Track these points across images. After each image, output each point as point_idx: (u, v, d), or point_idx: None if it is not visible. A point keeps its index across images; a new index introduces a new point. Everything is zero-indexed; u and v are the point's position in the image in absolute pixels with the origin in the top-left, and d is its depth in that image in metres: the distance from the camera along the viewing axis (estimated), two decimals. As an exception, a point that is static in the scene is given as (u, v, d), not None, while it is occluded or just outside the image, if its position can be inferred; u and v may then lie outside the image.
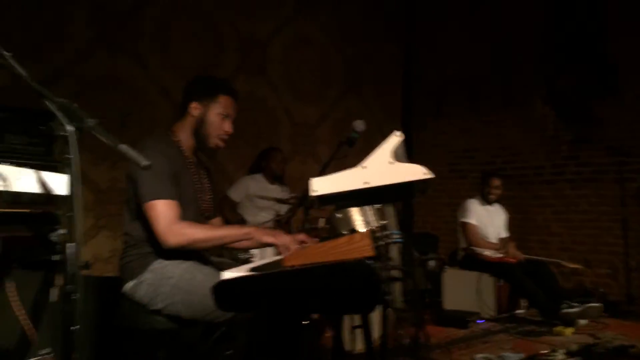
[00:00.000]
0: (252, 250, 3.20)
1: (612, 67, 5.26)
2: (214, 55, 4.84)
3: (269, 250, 3.23)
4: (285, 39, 5.47)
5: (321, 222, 3.16)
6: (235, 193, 4.25)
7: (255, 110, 5.09)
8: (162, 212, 1.90)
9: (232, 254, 3.14)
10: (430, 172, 1.77)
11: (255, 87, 5.18)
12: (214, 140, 2.14)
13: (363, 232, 1.59)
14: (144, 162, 1.29)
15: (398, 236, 1.83)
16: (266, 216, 4.18)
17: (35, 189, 1.44)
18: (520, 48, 5.84)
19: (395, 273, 1.88)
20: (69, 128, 1.20)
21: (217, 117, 2.12)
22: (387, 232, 1.79)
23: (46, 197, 1.53)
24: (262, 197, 4.13)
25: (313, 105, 5.76)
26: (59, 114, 1.22)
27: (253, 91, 5.13)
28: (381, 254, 1.65)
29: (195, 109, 2.12)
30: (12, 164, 1.46)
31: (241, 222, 4.14)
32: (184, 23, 4.63)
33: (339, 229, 1.82)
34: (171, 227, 1.89)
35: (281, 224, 3.92)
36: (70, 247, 1.20)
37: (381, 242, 1.65)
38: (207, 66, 4.67)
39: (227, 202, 4.21)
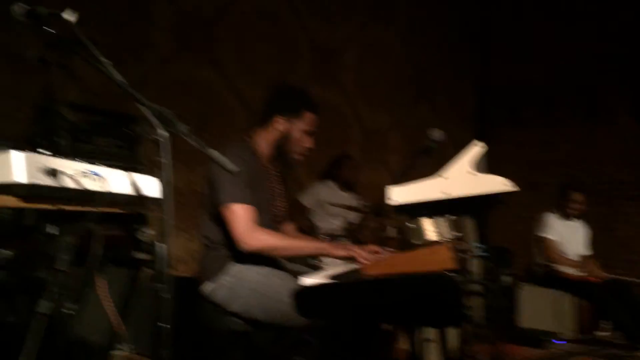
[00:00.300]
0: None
1: None
2: (288, 62, 4.90)
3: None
4: (358, 45, 5.47)
5: (391, 232, 3.11)
6: (306, 198, 4.27)
7: (327, 116, 5.10)
8: (241, 215, 1.94)
9: (303, 259, 3.15)
10: (511, 183, 1.71)
11: (328, 94, 5.20)
12: (296, 156, 2.18)
13: (445, 244, 1.54)
14: (232, 166, 1.32)
15: (480, 249, 1.77)
16: (337, 223, 4.17)
17: (127, 190, 1.50)
18: (605, 57, 5.55)
19: (475, 287, 1.81)
20: (163, 133, 1.25)
21: (301, 133, 2.15)
22: (469, 245, 1.73)
23: (135, 198, 1.59)
24: (333, 204, 4.13)
25: (384, 113, 5.71)
26: (153, 119, 1.27)
27: (325, 97, 5.15)
28: (462, 267, 1.60)
29: (279, 123, 2.14)
30: (101, 165, 1.52)
31: (311, 228, 4.15)
32: (260, 30, 4.72)
33: (411, 239, 1.78)
34: (249, 232, 1.92)
35: (352, 231, 3.90)
36: (160, 248, 1.24)
37: (463, 255, 1.61)
38: (282, 73, 4.74)
39: (297, 207, 4.23)
